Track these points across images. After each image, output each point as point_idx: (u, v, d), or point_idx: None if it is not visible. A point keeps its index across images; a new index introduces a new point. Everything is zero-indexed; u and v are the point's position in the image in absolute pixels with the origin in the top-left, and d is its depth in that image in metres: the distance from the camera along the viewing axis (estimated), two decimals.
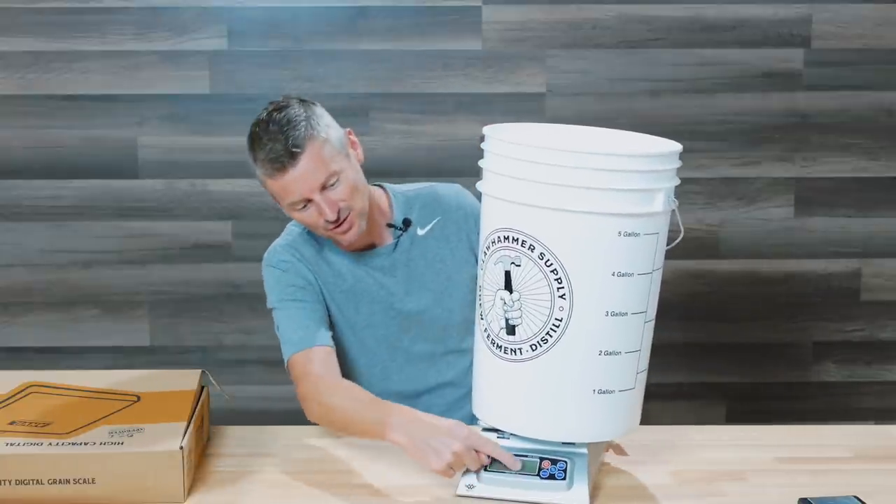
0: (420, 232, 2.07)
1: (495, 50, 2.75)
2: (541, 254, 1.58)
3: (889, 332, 2.91)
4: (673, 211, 1.62)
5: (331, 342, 1.98)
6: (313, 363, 1.94)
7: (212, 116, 2.75)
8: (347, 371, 2.08)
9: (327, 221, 1.91)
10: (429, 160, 2.75)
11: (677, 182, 1.63)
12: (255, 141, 1.92)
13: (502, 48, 2.75)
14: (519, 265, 1.60)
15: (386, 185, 2.11)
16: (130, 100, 2.74)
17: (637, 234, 1.58)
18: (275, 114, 1.91)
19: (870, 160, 2.83)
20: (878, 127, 2.82)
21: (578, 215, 1.56)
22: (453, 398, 2.06)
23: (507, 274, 1.62)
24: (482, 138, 1.68)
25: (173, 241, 2.80)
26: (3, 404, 1.78)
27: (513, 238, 1.60)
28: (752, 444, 1.89)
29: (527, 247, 1.59)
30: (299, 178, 1.88)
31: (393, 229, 2.06)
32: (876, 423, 2.75)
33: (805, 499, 1.64)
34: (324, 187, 1.89)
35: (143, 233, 2.79)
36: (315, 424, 1.94)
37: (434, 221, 2.07)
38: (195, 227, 2.79)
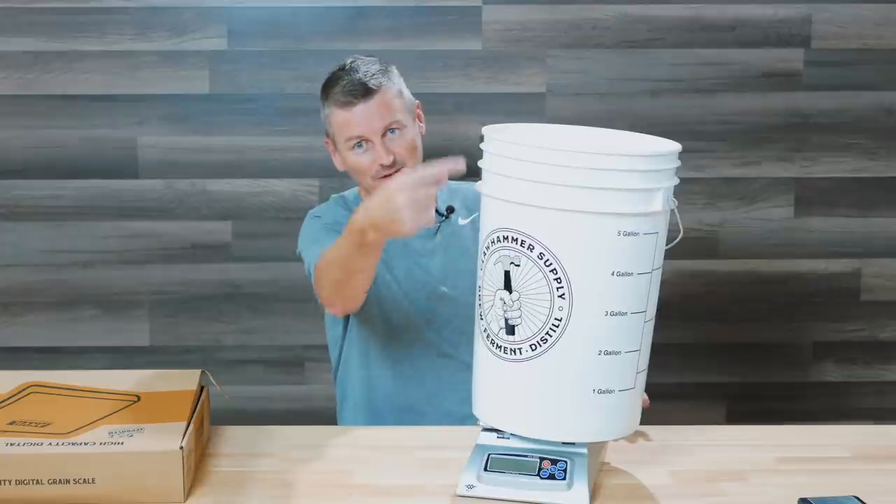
0: (462, 222, 2.17)
1: (495, 50, 2.75)
2: (540, 254, 1.58)
3: (889, 332, 2.91)
4: (672, 211, 1.62)
5: None
6: None
7: (212, 116, 2.75)
8: (371, 347, 2.12)
9: (381, 166, 2.02)
10: (429, 160, 2.75)
11: (676, 182, 1.63)
12: (333, 79, 2.09)
13: (502, 48, 2.75)
14: (518, 265, 1.60)
15: None
16: (130, 100, 2.74)
17: (636, 234, 1.58)
18: (357, 61, 2.09)
19: (870, 160, 2.83)
20: (878, 127, 2.82)
21: (577, 215, 1.56)
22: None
23: (507, 274, 1.62)
24: (482, 138, 1.68)
25: (173, 241, 2.80)
26: (3, 404, 1.78)
27: (512, 238, 1.60)
28: (752, 444, 1.89)
29: (526, 247, 1.59)
30: (367, 114, 2.02)
31: (436, 214, 2.11)
32: (875, 423, 2.74)
33: (805, 499, 1.64)
34: (385, 133, 2.03)
35: (143, 233, 2.79)
36: (320, 424, 1.98)
37: (475, 215, 2.16)
38: (195, 227, 2.79)
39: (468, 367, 2.07)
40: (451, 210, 2.17)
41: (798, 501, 1.65)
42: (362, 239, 1.75)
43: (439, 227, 2.15)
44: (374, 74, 2.04)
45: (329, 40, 2.73)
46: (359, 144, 2.05)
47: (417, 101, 2.15)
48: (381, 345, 2.15)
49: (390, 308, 2.13)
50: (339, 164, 2.13)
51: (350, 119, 2.04)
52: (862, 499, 1.64)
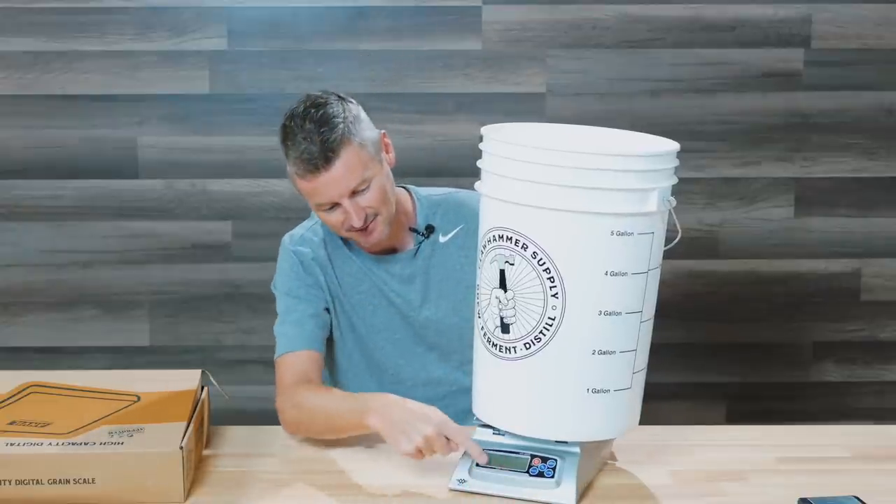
0: (442, 239, 2.05)
1: (495, 50, 2.75)
2: (534, 253, 1.58)
3: (889, 332, 2.91)
4: (669, 211, 1.62)
5: (321, 347, 2.00)
6: (296, 368, 1.95)
7: (212, 116, 2.75)
8: (357, 369, 2.08)
9: (352, 226, 1.90)
10: (429, 160, 2.76)
11: (674, 181, 1.63)
12: (288, 136, 1.87)
13: (502, 48, 2.75)
14: (513, 264, 1.61)
15: (411, 187, 2.09)
16: (130, 100, 2.74)
17: (631, 234, 1.58)
18: (312, 110, 1.86)
19: (869, 160, 2.83)
20: (877, 127, 2.82)
21: (569, 214, 1.56)
22: (466, 406, 2.02)
23: (502, 273, 1.62)
24: (481, 138, 1.68)
25: (173, 241, 2.80)
26: (3, 404, 1.78)
27: (507, 237, 1.61)
28: (752, 444, 1.89)
29: (520, 246, 1.59)
30: (331, 182, 1.85)
31: (415, 234, 2.04)
32: (875, 423, 2.74)
33: (805, 499, 1.64)
34: (354, 193, 1.87)
35: (143, 233, 2.79)
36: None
37: (457, 229, 2.05)
38: (195, 227, 2.79)
39: (462, 390, 2.06)
40: (430, 230, 2.04)
41: (798, 501, 1.65)
42: (362, 420, 1.77)
43: (419, 248, 2.03)
44: (331, 136, 1.82)
45: (329, 40, 2.73)
46: (328, 206, 1.89)
47: (383, 132, 1.94)
48: (369, 364, 2.08)
49: (369, 349, 2.06)
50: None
51: (314, 189, 1.86)
52: (862, 499, 1.64)
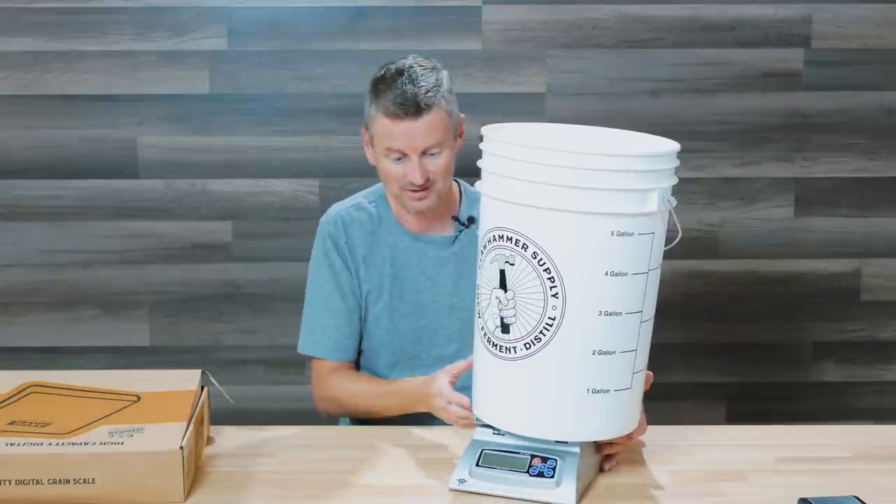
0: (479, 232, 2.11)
1: (495, 50, 2.75)
2: (534, 253, 1.58)
3: (889, 332, 2.91)
4: (669, 211, 1.62)
5: (349, 356, 2.11)
6: (326, 367, 2.08)
7: (212, 116, 2.75)
8: (373, 352, 2.11)
9: (411, 183, 1.99)
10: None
11: (674, 182, 1.63)
12: (388, 80, 1.99)
13: (502, 48, 2.75)
14: (513, 264, 1.61)
15: (459, 179, 2.19)
16: (130, 100, 2.74)
17: (631, 234, 1.58)
18: (418, 67, 2.00)
19: (869, 160, 2.83)
20: (877, 127, 2.82)
21: (569, 215, 1.56)
22: None
23: (502, 273, 1.62)
24: (482, 138, 1.68)
25: (173, 241, 2.80)
26: (3, 404, 1.78)
27: (507, 237, 1.61)
28: (752, 444, 1.89)
29: (520, 246, 1.59)
30: (413, 131, 1.96)
31: (456, 223, 2.12)
32: (875, 423, 2.74)
33: (805, 499, 1.65)
34: (425, 152, 1.98)
35: (143, 233, 2.79)
36: (320, 424, 2.03)
37: None
38: (195, 227, 2.79)
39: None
40: (471, 220, 2.11)
41: (798, 501, 1.65)
42: (412, 407, 1.94)
43: (457, 236, 2.11)
44: (428, 91, 1.96)
45: (329, 40, 2.73)
46: (396, 155, 1.99)
47: (462, 116, 2.09)
48: (385, 350, 2.12)
49: (388, 333, 2.11)
50: (370, 158, 2.08)
51: (394, 132, 1.97)
52: (862, 499, 1.64)
